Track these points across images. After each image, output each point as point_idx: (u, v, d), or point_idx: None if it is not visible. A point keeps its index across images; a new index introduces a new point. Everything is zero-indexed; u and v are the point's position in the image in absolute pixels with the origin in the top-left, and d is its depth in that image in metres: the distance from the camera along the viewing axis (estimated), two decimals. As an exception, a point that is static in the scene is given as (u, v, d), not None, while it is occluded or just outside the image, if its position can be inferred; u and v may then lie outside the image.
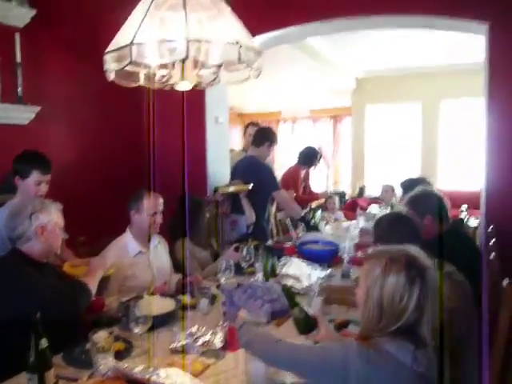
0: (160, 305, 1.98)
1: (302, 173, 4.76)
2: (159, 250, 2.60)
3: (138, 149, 3.56)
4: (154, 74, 1.52)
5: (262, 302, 2.02)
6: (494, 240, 2.42)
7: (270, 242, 2.43)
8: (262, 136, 3.68)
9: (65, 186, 2.74)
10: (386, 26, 4.01)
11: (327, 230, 3.75)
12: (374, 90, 7.60)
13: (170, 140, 3.48)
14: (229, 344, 1.70)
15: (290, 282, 2.38)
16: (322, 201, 5.04)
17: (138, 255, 2.45)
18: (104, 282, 2.23)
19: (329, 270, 2.49)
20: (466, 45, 5.66)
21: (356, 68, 7.36)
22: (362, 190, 7.44)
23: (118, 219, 2.48)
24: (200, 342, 1.71)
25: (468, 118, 7.07)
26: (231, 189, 3.24)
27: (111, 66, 1.43)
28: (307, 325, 1.61)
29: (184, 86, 1.58)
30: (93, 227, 2.66)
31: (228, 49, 1.39)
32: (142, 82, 1.60)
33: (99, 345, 1.54)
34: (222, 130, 3.77)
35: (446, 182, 6.90)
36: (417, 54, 6.28)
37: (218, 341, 1.70)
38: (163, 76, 1.54)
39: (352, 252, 2.76)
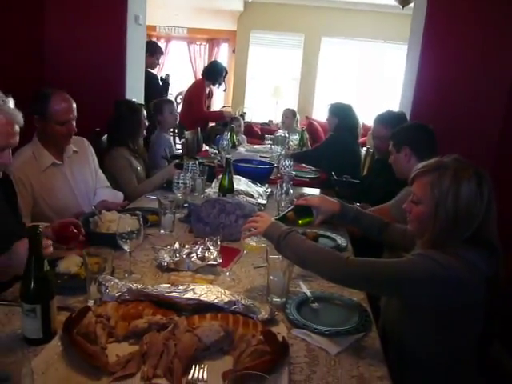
0: (124, 221, 1.69)
1: (207, 89, 4.50)
2: (77, 160, 2.13)
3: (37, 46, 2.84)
4: None
5: (235, 217, 1.90)
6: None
7: (229, 156, 2.24)
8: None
9: None
10: None
11: (243, 152, 3.66)
12: (261, 16, 7.43)
13: (80, 36, 2.86)
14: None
15: (244, 199, 2.28)
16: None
17: (51, 168, 1.99)
18: None
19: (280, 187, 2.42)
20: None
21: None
22: (243, 116, 7.46)
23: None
24: (194, 257, 1.54)
25: (345, 57, 7.53)
26: None
27: None
28: (307, 215, 1.63)
29: None
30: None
31: None
32: None
33: (89, 266, 1.26)
34: (141, 33, 3.20)
35: (320, 114, 7.35)
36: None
37: (214, 257, 1.55)
38: None
39: (290, 170, 2.77)
